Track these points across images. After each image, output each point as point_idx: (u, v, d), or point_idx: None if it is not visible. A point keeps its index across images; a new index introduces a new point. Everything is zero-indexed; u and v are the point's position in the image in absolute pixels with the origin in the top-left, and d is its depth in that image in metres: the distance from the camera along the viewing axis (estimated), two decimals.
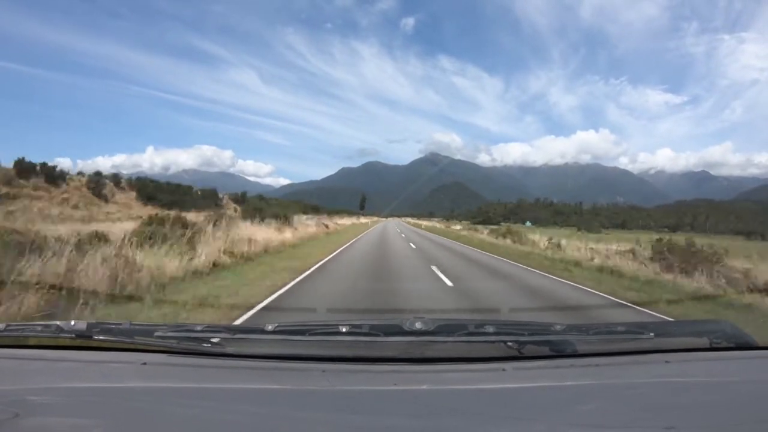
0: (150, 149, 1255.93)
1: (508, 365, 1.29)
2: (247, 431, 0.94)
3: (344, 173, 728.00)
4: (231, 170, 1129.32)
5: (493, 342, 1.38)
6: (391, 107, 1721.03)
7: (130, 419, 0.99)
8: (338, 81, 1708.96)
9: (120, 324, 1.46)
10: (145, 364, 1.28)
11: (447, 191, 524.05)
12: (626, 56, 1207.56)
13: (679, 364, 1.35)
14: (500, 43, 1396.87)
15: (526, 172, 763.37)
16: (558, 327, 1.44)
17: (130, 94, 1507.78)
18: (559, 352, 1.36)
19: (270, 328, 1.42)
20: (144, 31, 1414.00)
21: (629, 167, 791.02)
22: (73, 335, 1.38)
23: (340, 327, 1.39)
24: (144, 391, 1.14)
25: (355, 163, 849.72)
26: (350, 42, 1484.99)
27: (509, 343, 1.36)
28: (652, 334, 1.43)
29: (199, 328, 1.46)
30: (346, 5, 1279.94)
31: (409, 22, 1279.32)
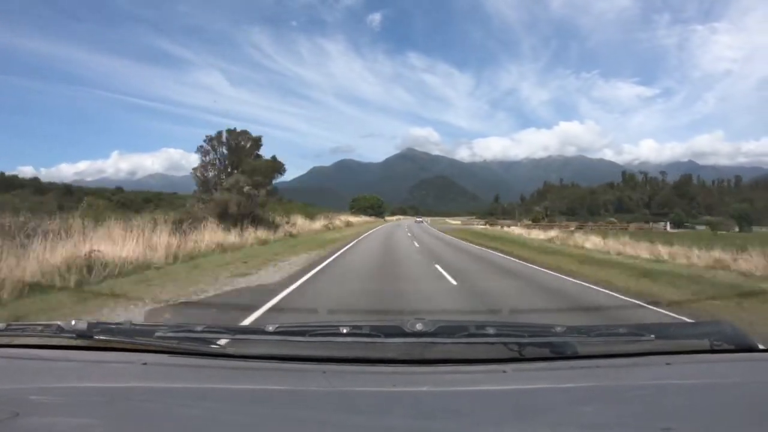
0: (115, 154, 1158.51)
1: (509, 367, 1.32)
2: (247, 431, 0.96)
3: (316, 172, 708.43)
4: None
5: (493, 343, 1.40)
6: (361, 105, 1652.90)
7: (131, 419, 1.01)
8: (306, 80, 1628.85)
9: (121, 324, 1.50)
10: (145, 364, 1.31)
11: (430, 186, 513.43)
12: (599, 49, 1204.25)
13: (679, 366, 1.38)
14: (471, 38, 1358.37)
15: (508, 166, 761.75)
16: (558, 329, 1.46)
17: (93, 98, 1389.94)
18: (559, 354, 1.39)
19: (271, 328, 1.46)
20: (105, 33, 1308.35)
21: (614, 159, 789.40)
22: (74, 335, 1.40)
23: (341, 328, 1.42)
24: (144, 391, 1.16)
25: (327, 162, 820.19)
26: (317, 40, 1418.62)
27: (510, 345, 1.39)
28: (652, 335, 1.47)
29: (199, 328, 1.49)
30: (311, 2, 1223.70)
31: (376, 18, 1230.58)
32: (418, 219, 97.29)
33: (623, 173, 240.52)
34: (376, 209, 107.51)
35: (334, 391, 1.16)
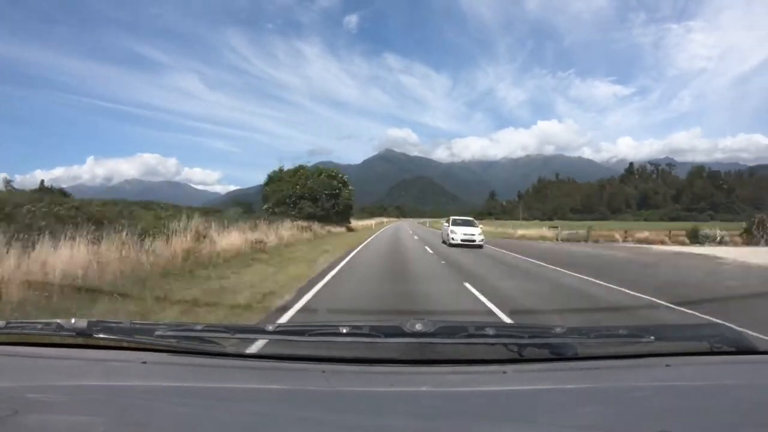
0: (90, 160, 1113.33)
1: (509, 368, 1.32)
2: (245, 431, 0.97)
3: None
4: (176, 179, 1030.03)
5: (493, 344, 1.41)
6: (339, 107, 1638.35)
7: (130, 418, 1.01)
8: (283, 83, 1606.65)
9: (120, 323, 1.51)
10: (145, 362, 1.31)
11: (410, 187, 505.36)
12: (575, 48, 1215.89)
13: (679, 368, 1.38)
14: (447, 39, 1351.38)
15: (487, 166, 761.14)
16: (558, 330, 1.47)
17: (68, 104, 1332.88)
18: (559, 355, 1.40)
19: (270, 328, 1.47)
20: (80, 37, 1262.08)
21: (593, 157, 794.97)
22: (74, 333, 1.41)
23: (340, 328, 1.41)
24: (144, 389, 1.17)
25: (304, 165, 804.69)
26: (293, 42, 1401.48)
27: (509, 346, 1.40)
28: (652, 337, 1.46)
29: (199, 327, 1.50)
30: (287, 4, 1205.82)
31: (352, 19, 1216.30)
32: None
33: (630, 164, 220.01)
34: (327, 204, 40.32)
35: (333, 391, 1.16)
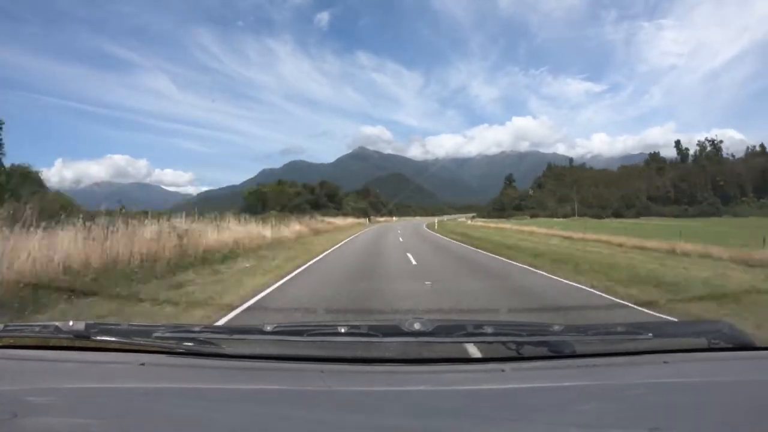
0: (58, 162, 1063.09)
1: (507, 366, 1.32)
2: (245, 431, 0.97)
3: (265, 175, 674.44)
4: (147, 180, 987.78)
5: (491, 343, 1.41)
6: (311, 106, 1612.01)
7: (128, 420, 1.02)
8: (255, 82, 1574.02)
9: (118, 324, 1.52)
10: (143, 364, 1.31)
11: (384, 185, 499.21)
12: (548, 46, 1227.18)
13: (677, 365, 1.38)
14: (419, 37, 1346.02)
15: (461, 163, 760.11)
16: (556, 327, 1.47)
17: (35, 104, 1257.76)
18: (557, 353, 1.39)
19: (268, 328, 1.47)
20: (47, 36, 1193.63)
21: (567, 153, 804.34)
22: (72, 335, 1.41)
23: (339, 328, 1.42)
24: (142, 391, 1.17)
25: (277, 164, 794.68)
26: (264, 40, 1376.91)
27: (508, 344, 1.40)
28: (650, 334, 1.46)
29: (197, 328, 1.52)
30: (258, 1, 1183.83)
31: (324, 17, 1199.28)
32: None
33: (677, 141, 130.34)
34: None
35: (332, 391, 1.16)
